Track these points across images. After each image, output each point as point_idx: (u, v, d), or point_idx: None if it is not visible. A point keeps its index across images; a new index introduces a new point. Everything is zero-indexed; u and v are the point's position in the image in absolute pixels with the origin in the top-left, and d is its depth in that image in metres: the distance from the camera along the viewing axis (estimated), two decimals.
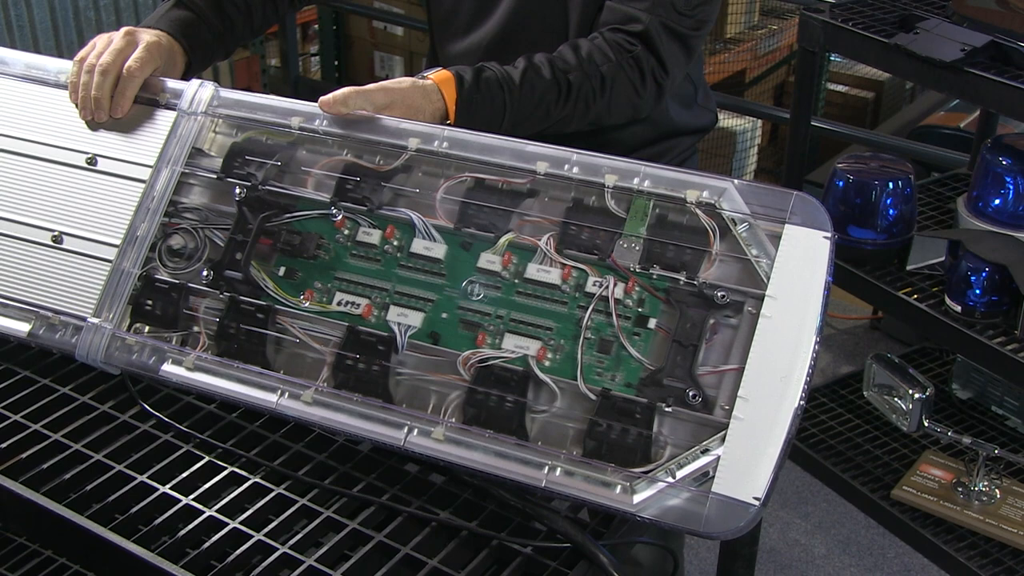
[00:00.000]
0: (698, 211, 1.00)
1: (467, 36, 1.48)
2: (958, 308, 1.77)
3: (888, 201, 1.86)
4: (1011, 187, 1.85)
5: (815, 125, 2.51)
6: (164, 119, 1.18)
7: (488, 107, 1.23)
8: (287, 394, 1.04)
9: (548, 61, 1.28)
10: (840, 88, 3.82)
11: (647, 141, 1.51)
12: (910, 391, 1.88)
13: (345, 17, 4.16)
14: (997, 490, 2.03)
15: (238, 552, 0.95)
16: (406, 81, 1.19)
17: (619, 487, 0.93)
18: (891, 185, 1.86)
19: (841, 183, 1.89)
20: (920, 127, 3.29)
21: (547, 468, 0.95)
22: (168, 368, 1.08)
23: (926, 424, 1.90)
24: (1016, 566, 1.93)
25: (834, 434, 2.26)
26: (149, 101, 1.21)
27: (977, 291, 1.75)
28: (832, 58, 3.67)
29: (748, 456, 0.90)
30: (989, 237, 1.81)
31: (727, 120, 3.57)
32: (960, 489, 2.04)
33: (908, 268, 1.89)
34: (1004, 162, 1.85)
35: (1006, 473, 2.07)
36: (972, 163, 2.25)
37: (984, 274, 1.74)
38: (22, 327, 1.14)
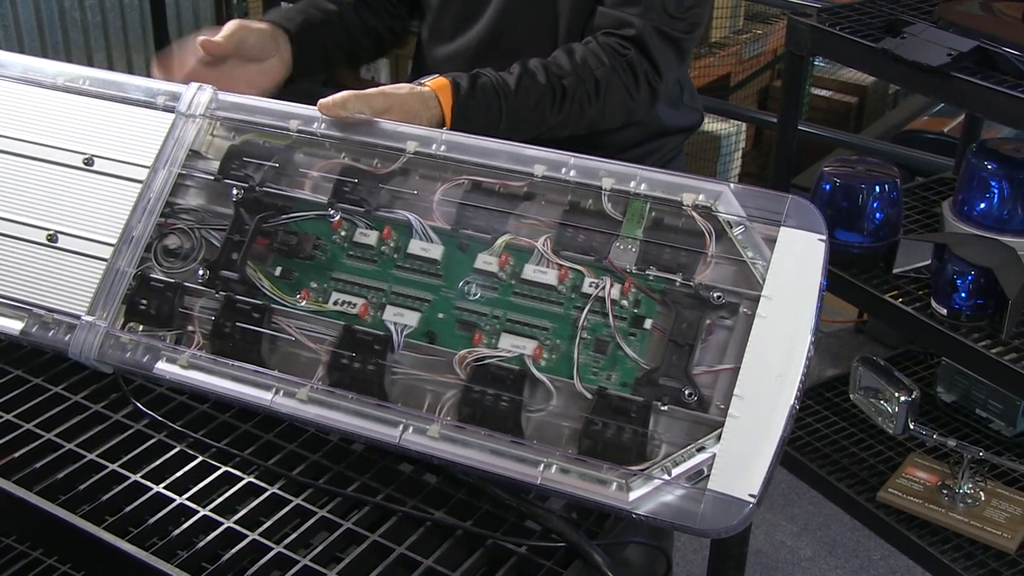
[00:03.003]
0: (694, 214, 1.01)
1: (455, 39, 1.49)
2: (944, 311, 1.78)
3: (874, 204, 1.88)
4: (996, 191, 1.87)
5: (801, 129, 2.52)
6: (162, 121, 1.18)
7: (484, 113, 1.23)
8: (282, 392, 1.03)
9: (543, 66, 1.28)
10: (824, 93, 3.83)
11: (635, 141, 1.52)
12: (896, 394, 1.89)
13: None
14: (982, 492, 2.05)
15: (231, 552, 0.95)
16: (404, 87, 1.19)
17: (615, 484, 0.93)
18: (877, 188, 1.87)
19: (828, 186, 1.90)
20: (904, 132, 3.32)
21: (543, 466, 0.95)
22: (162, 366, 1.07)
23: (911, 427, 1.91)
24: (1000, 568, 1.94)
25: (820, 437, 2.27)
26: (147, 104, 1.20)
27: (963, 294, 1.76)
28: (816, 63, 3.69)
29: (743, 454, 0.90)
30: (975, 241, 1.82)
31: (711, 124, 3.57)
32: (945, 491, 2.05)
33: (894, 271, 1.90)
34: (989, 166, 1.87)
35: (990, 475, 2.08)
36: (957, 167, 2.27)
37: (970, 277, 1.75)
38: (15, 325, 1.13)
